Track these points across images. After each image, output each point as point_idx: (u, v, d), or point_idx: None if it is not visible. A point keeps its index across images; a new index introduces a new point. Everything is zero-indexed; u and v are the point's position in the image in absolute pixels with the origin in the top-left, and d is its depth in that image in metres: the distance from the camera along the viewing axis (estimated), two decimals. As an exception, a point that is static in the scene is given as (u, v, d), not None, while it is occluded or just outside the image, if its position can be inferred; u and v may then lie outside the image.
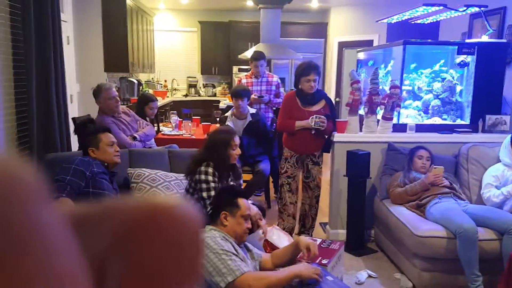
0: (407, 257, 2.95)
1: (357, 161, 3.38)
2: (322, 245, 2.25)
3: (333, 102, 3.60)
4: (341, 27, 8.06)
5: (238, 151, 2.61)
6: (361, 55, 5.10)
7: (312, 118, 3.27)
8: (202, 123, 4.87)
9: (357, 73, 3.95)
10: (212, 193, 2.43)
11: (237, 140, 2.61)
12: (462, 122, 3.75)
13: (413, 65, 3.94)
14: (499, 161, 3.17)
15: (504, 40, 3.88)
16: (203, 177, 2.47)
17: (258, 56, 4.60)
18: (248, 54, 6.70)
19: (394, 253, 3.19)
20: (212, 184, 2.46)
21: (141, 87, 6.87)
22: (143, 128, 3.74)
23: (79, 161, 2.37)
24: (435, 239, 2.71)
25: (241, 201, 1.98)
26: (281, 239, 2.38)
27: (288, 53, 7.05)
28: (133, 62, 6.18)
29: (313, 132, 3.33)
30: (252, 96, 4.34)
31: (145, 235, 0.29)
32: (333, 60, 8.25)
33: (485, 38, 3.88)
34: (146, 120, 4.00)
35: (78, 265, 0.26)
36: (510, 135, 3.11)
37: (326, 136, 3.52)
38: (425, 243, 2.72)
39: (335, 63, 8.24)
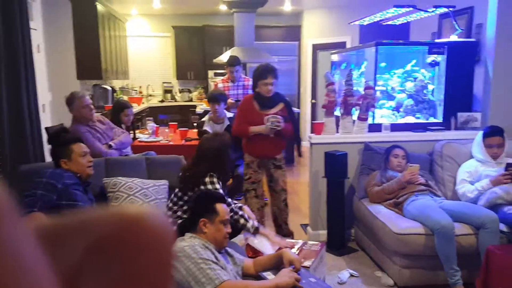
0: (387, 255, 2.99)
1: (335, 162, 3.41)
2: (304, 247, 2.26)
3: (291, 105, 3.53)
4: (315, 29, 8.15)
5: (232, 155, 2.66)
6: (335, 57, 5.16)
7: (267, 118, 3.23)
8: (180, 129, 4.83)
9: (331, 75, 4.00)
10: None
11: (231, 145, 2.64)
12: (435, 120, 3.83)
13: (383, 64, 4.01)
14: (472, 157, 3.25)
15: (472, 39, 3.99)
16: (211, 187, 2.44)
17: (233, 61, 4.61)
18: (223, 58, 6.70)
19: (375, 251, 3.23)
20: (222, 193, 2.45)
21: (115, 94, 6.77)
22: (118, 136, 3.69)
23: (50, 173, 2.31)
24: (413, 236, 2.76)
25: (219, 207, 1.96)
26: (263, 244, 2.38)
27: (263, 56, 7.07)
28: (106, 69, 6.08)
29: (270, 130, 3.23)
30: (229, 100, 4.34)
31: (116, 248, 0.29)
32: (308, 62, 8.32)
33: (454, 38, 3.98)
34: (122, 128, 3.94)
35: (48, 282, 0.26)
36: (481, 132, 3.20)
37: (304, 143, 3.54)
38: (404, 240, 2.76)
39: (309, 66, 8.32)
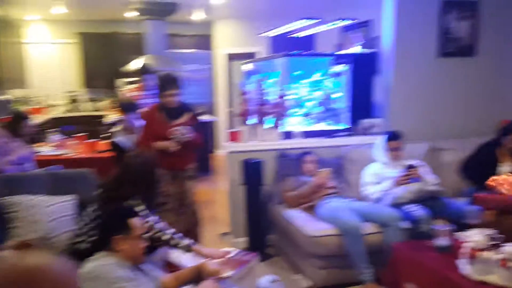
0: (303, 258, 3.10)
1: (252, 169, 3.46)
2: (234, 257, 2.24)
3: (197, 114, 3.49)
4: (226, 39, 8.25)
5: (161, 173, 2.50)
6: (248, 67, 5.26)
7: (171, 130, 3.13)
8: (88, 140, 4.57)
9: (245, 84, 4.07)
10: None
11: (157, 163, 2.48)
12: (342, 127, 4.07)
13: (299, 72, 4.17)
14: (375, 160, 3.50)
15: (372, 51, 4.32)
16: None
17: (145, 70, 4.48)
18: (133, 66, 6.49)
19: (292, 255, 3.33)
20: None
21: (12, 104, 6.20)
22: (17, 150, 3.37)
23: None
24: (327, 238, 2.89)
25: (133, 221, 1.88)
26: (182, 257, 2.32)
27: (174, 65, 6.97)
28: (1, 78, 5.55)
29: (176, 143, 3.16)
30: (142, 110, 4.20)
31: None
32: (222, 71, 8.38)
33: (355, 49, 4.28)
34: (22, 141, 3.61)
35: None
36: (383, 136, 3.46)
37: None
38: (319, 242, 2.88)
39: (224, 74, 8.38)
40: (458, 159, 3.58)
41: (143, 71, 4.50)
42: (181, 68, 7.22)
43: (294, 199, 3.34)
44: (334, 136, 3.89)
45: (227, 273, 1.97)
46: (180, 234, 2.37)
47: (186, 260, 2.32)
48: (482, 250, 2.01)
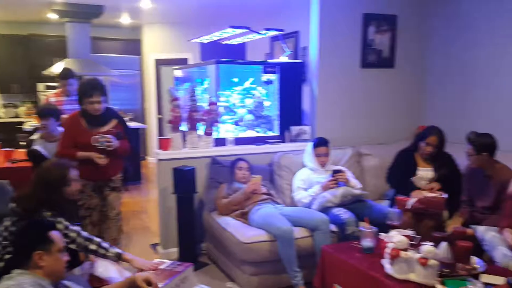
0: (236, 265, 3.10)
1: (184, 177, 3.41)
2: (166, 268, 2.17)
3: (125, 120, 3.35)
4: (156, 44, 8.09)
5: (77, 185, 2.34)
6: (178, 73, 5.19)
7: (95, 137, 2.97)
8: (3, 149, 4.23)
9: (175, 90, 4.00)
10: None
11: (74, 173, 2.32)
12: (273, 134, 4.15)
13: (235, 80, 4.19)
14: (304, 166, 3.61)
15: (299, 60, 4.47)
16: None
17: (66, 74, 4.24)
18: (54, 70, 6.14)
19: (225, 263, 3.32)
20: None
21: None
22: None
23: None
24: (259, 244, 2.92)
25: (54, 235, 1.77)
26: (109, 271, 2.22)
27: (100, 69, 6.71)
28: None
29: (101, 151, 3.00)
30: (64, 116, 3.97)
31: None
32: (151, 77, 8.20)
33: (284, 59, 4.40)
34: None
35: None
36: (311, 143, 3.58)
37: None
38: (251, 248, 2.91)
39: (153, 80, 8.20)
40: (379, 164, 3.81)
41: (66, 75, 4.25)
42: (108, 73, 6.96)
43: (226, 206, 3.34)
44: (265, 143, 3.95)
45: (159, 284, 1.91)
46: (108, 243, 2.27)
47: (115, 273, 2.22)
48: (403, 250, 2.14)
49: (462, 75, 4.01)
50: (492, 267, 2.29)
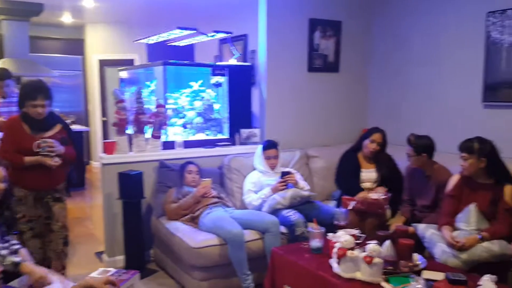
0: (186, 271, 3.05)
1: (130, 182, 3.31)
2: (111, 276, 2.09)
3: (69, 125, 3.13)
4: (100, 44, 7.82)
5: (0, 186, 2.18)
6: (124, 74, 5.05)
7: (36, 143, 2.74)
8: None
9: (121, 92, 3.89)
10: None
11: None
12: (223, 137, 4.14)
13: (192, 83, 4.13)
14: (255, 169, 3.62)
15: (248, 63, 4.49)
16: None
17: (2, 75, 3.98)
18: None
19: (174, 269, 3.25)
20: None
21: None
22: None
23: None
24: (209, 248, 2.89)
25: None
26: (51, 283, 2.10)
27: (40, 70, 6.40)
28: None
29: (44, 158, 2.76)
30: (0, 119, 3.72)
31: None
32: (95, 78, 7.91)
33: (233, 61, 4.40)
34: None
35: None
36: (260, 145, 3.60)
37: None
38: (201, 253, 2.87)
39: (97, 82, 7.92)
40: (326, 165, 3.91)
41: (2, 76, 3.99)
42: (49, 74, 6.64)
43: (176, 210, 3.28)
44: (215, 146, 3.93)
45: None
46: (7, 251, 2.09)
47: (57, 285, 2.11)
48: (350, 249, 2.20)
49: (401, 81, 4.21)
50: (432, 263, 2.41)
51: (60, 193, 2.98)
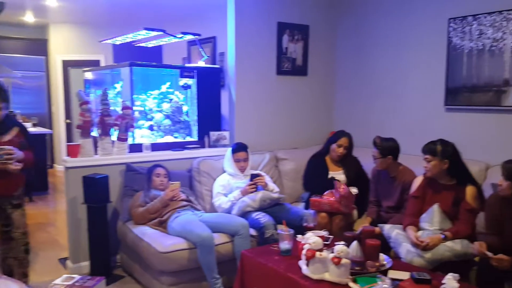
0: (154, 276, 3.00)
1: (95, 186, 3.22)
2: (76, 284, 2.03)
3: (27, 129, 2.98)
4: (64, 45, 7.61)
5: None
6: (89, 75, 4.93)
7: None
8: None
9: (85, 94, 3.78)
10: None
11: None
12: (191, 139, 4.10)
13: (142, 85, 4.06)
14: (224, 171, 3.61)
15: (217, 66, 4.47)
16: None
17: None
18: None
19: (142, 274, 3.19)
20: None
21: None
22: None
23: None
24: (178, 253, 2.85)
25: None
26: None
27: (1, 70, 6.16)
28: None
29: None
30: None
31: None
32: (58, 79, 7.69)
33: (201, 63, 4.37)
34: None
35: None
36: (230, 148, 3.59)
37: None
38: (170, 258, 2.82)
39: (61, 83, 7.70)
40: (295, 167, 3.94)
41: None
42: (10, 74, 6.40)
43: (143, 215, 3.22)
44: (184, 149, 3.88)
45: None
46: None
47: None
48: (319, 250, 2.22)
49: (367, 85, 4.30)
50: (398, 263, 2.46)
51: (19, 199, 2.85)
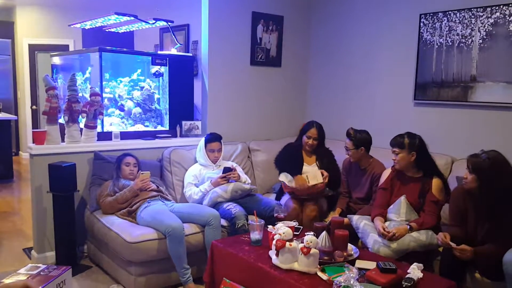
0: (122, 266, 2.95)
1: (62, 174, 3.13)
2: (41, 273, 1.98)
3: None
4: (31, 28, 7.34)
5: None
6: (57, 60, 4.77)
7: None
8: None
9: (53, 79, 3.66)
10: None
11: None
12: (163, 128, 4.03)
13: (112, 71, 3.96)
14: (196, 161, 3.57)
15: (190, 54, 4.40)
16: None
17: None
18: None
19: (110, 265, 3.13)
20: None
21: None
22: None
23: None
24: (147, 243, 2.81)
25: None
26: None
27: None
28: None
29: None
30: None
31: None
32: (25, 63, 7.41)
33: (174, 51, 4.29)
34: None
35: None
36: (203, 138, 3.55)
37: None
38: (139, 248, 2.78)
39: (27, 67, 7.43)
40: (267, 159, 3.93)
41: None
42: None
43: (112, 204, 3.15)
44: (155, 138, 3.82)
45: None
46: None
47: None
48: (289, 240, 2.23)
49: (340, 78, 4.33)
50: (365, 253, 2.51)
51: None
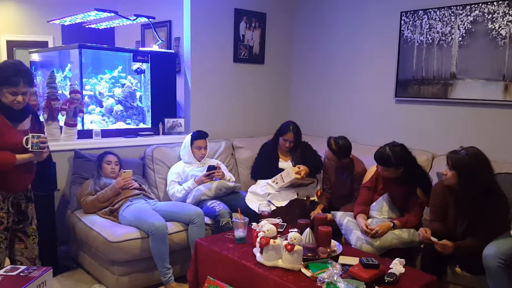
0: (104, 266, 2.91)
1: (41, 173, 3.05)
2: (21, 274, 1.93)
3: (37, 115, 2.61)
4: (9, 24, 7.16)
5: None
6: (36, 57, 4.67)
7: (28, 138, 2.29)
8: None
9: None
10: None
11: None
12: (145, 126, 3.99)
13: (93, 68, 3.89)
14: (180, 159, 3.54)
15: (172, 51, 4.35)
16: None
17: None
18: None
19: (92, 264, 3.08)
20: None
21: None
22: None
23: None
24: (130, 242, 2.78)
25: None
26: None
27: None
28: None
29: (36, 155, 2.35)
30: None
31: None
32: (3, 60, 7.23)
33: (156, 48, 4.24)
34: None
35: None
36: (189, 135, 3.51)
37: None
38: (121, 248, 2.75)
39: (4, 64, 7.24)
40: (251, 156, 3.92)
41: None
42: None
43: (93, 203, 3.11)
44: (137, 136, 3.77)
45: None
46: None
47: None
48: (273, 238, 2.23)
49: (322, 75, 4.35)
50: (348, 249, 2.53)
51: (31, 192, 2.55)
